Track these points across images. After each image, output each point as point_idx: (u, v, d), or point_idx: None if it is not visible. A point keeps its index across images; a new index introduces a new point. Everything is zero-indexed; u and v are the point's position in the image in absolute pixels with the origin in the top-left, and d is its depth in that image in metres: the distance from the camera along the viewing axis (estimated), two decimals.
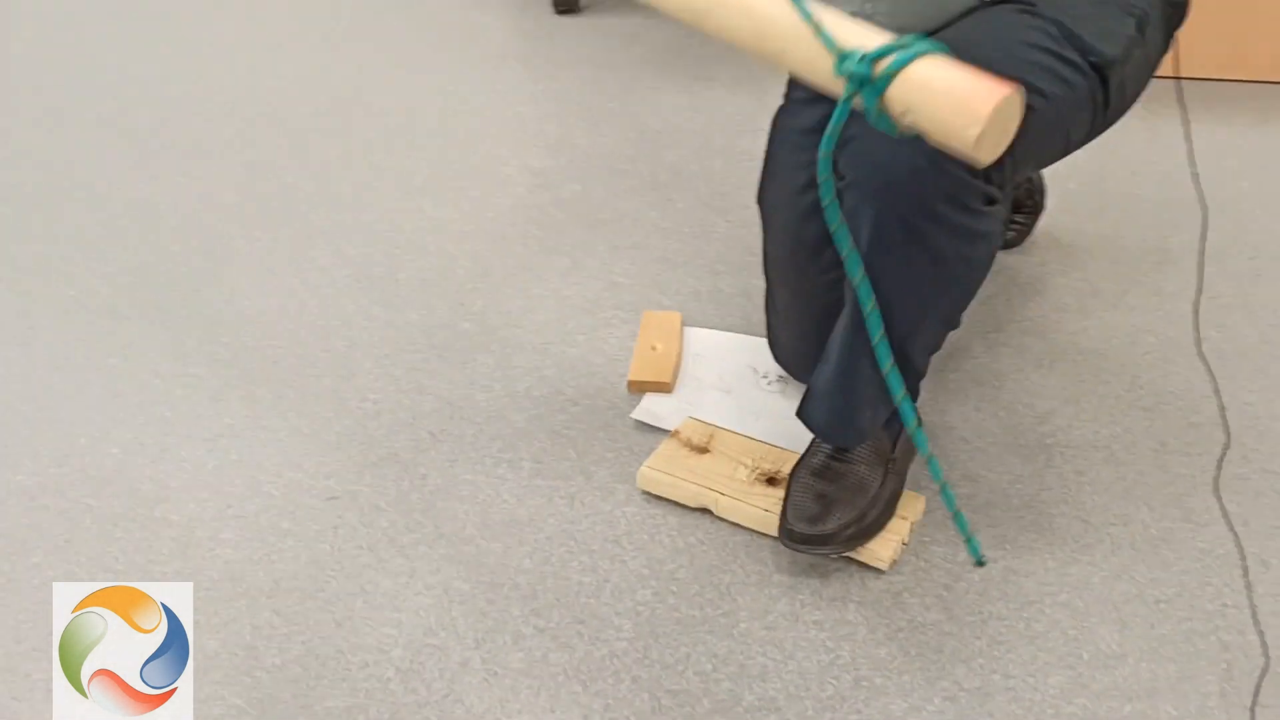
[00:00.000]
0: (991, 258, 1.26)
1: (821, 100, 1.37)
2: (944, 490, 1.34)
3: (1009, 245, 1.87)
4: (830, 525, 1.35)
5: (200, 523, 1.50)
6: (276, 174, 2.18)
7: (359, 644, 1.34)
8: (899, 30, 1.24)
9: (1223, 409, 1.56)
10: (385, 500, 1.52)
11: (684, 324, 1.76)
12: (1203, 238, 1.79)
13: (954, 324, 1.35)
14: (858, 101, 0.93)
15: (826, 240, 1.37)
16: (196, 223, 2.06)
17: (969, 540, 1.36)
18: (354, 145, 2.25)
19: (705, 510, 1.47)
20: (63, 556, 1.46)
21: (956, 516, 1.36)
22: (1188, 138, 1.65)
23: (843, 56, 0.88)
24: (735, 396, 1.63)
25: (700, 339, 1.74)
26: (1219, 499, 1.44)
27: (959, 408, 1.60)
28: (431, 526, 1.48)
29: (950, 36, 1.23)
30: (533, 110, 2.36)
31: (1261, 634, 1.29)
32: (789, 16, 0.91)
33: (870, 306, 1.21)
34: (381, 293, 1.87)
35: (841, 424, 1.37)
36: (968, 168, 1.14)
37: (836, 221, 1.16)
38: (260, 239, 2.01)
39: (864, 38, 0.90)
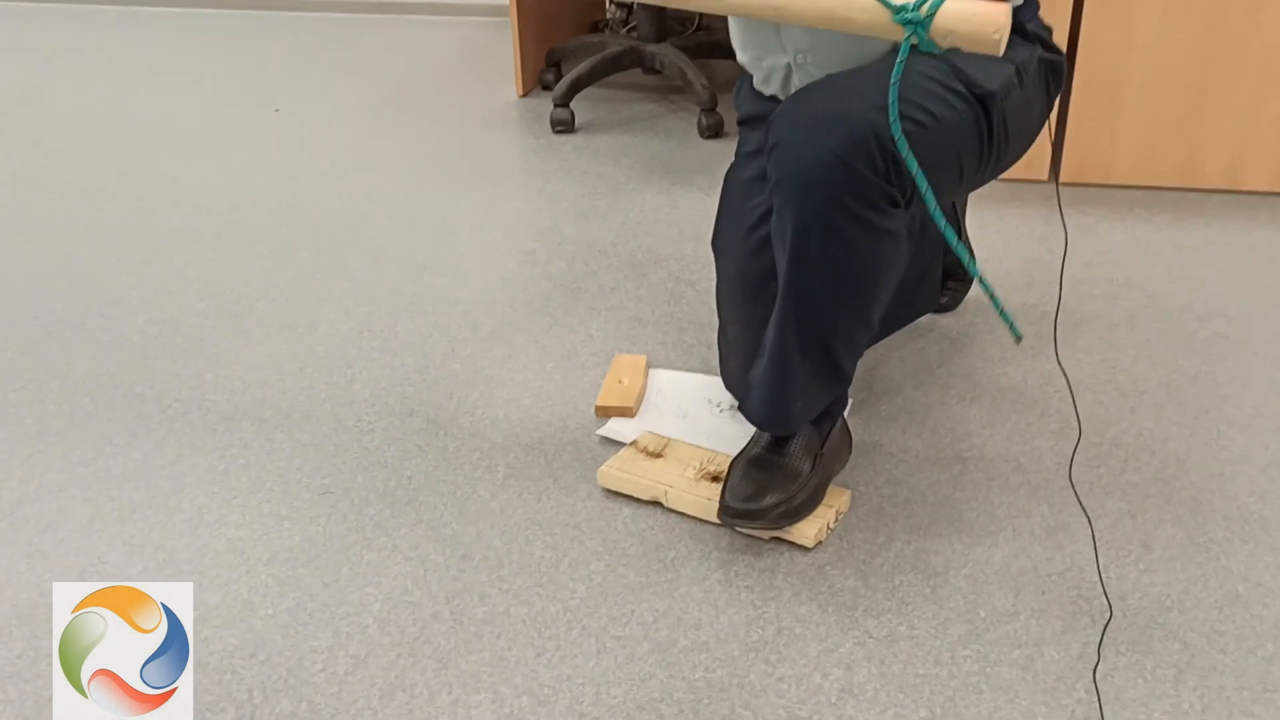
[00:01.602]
0: (898, 257, 1.48)
1: (761, 154, 1.62)
2: (981, 282, 1.39)
3: (944, 309, 2.09)
4: (763, 503, 1.54)
5: (208, 510, 1.69)
6: (294, 255, 2.43)
7: (343, 599, 1.52)
8: (824, 73, 1.50)
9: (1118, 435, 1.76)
10: (374, 494, 1.71)
11: (649, 365, 1.98)
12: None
13: (871, 326, 1.56)
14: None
15: (770, 275, 1.61)
16: (219, 288, 2.30)
17: (1003, 314, 1.38)
18: (366, 233, 2.51)
19: (656, 503, 1.65)
20: (85, 537, 1.64)
21: (993, 300, 1.37)
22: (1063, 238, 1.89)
23: (898, 9, 1.22)
24: (690, 420, 1.83)
25: (663, 376, 1.95)
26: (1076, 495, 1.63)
27: (887, 430, 1.80)
28: (413, 514, 1.67)
29: (864, 71, 1.48)
30: (527, 207, 2.62)
31: (1109, 594, 1.46)
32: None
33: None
34: (382, 341, 2.10)
35: (776, 412, 1.57)
36: (872, 169, 1.37)
37: (906, 151, 1.33)
38: (276, 300, 2.25)
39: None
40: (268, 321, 2.17)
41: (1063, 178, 2.56)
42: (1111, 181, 2.55)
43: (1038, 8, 1.64)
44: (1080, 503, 1.62)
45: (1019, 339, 1.46)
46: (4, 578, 1.57)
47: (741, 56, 1.71)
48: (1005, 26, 1.20)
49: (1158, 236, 2.36)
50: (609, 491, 1.69)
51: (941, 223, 1.32)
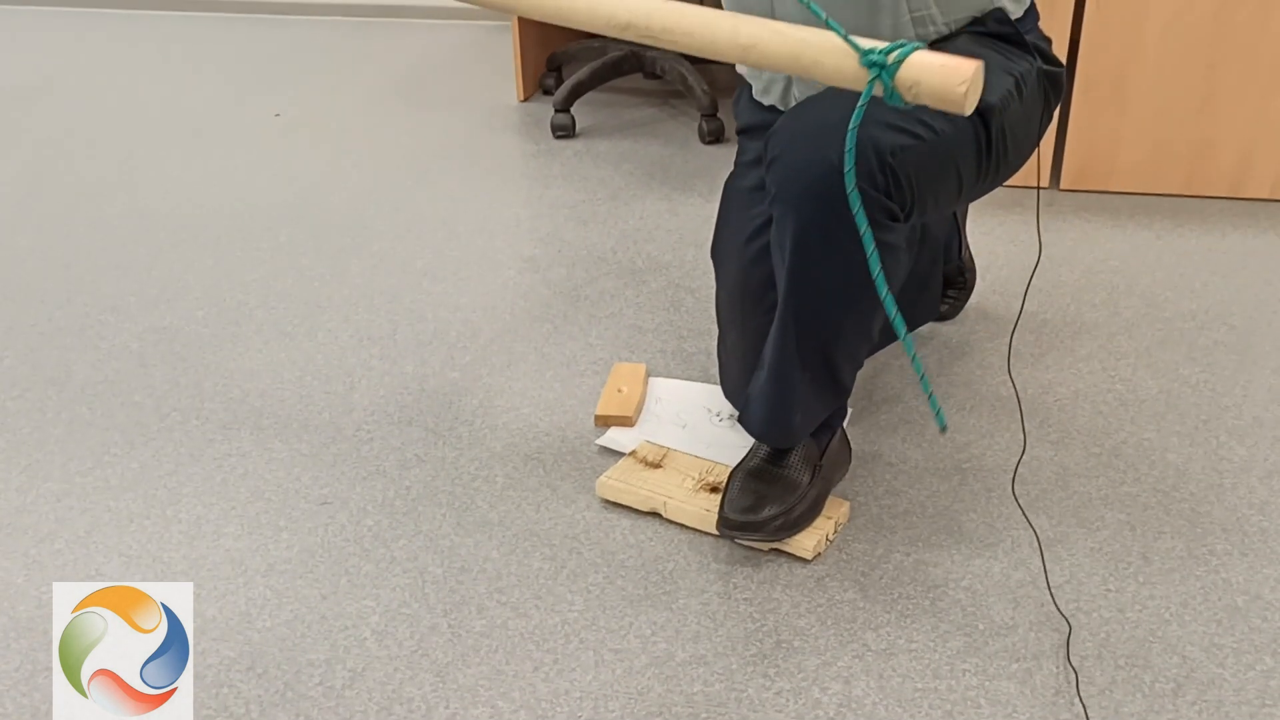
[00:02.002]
0: (898, 272, 1.48)
1: (760, 164, 1.62)
2: (914, 361, 1.40)
3: (944, 317, 2.09)
4: (761, 515, 1.53)
5: (206, 520, 1.69)
6: (294, 260, 2.42)
7: (341, 612, 1.52)
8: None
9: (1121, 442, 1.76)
10: (372, 505, 1.71)
11: (649, 374, 1.97)
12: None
13: (870, 338, 1.56)
14: (878, 88, 1.20)
15: (769, 284, 1.60)
16: (219, 295, 2.29)
17: (931, 398, 1.39)
18: (365, 237, 2.50)
19: (655, 514, 1.65)
20: (83, 547, 1.64)
21: (923, 381, 1.39)
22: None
23: (865, 53, 1.17)
24: (690, 430, 1.83)
25: (662, 385, 1.94)
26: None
27: (887, 439, 1.80)
28: (412, 525, 1.66)
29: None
30: (527, 212, 2.62)
31: (1106, 610, 1.46)
32: (817, 37, 1.18)
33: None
34: (381, 348, 2.09)
35: (775, 424, 1.57)
36: (871, 184, 1.37)
37: (858, 206, 1.33)
38: (276, 307, 2.24)
39: (874, 42, 1.19)
40: (267, 329, 2.17)
41: (1063, 183, 2.55)
42: (1113, 188, 2.54)
43: (1037, 18, 1.63)
44: (1026, 517, 1.61)
45: (944, 430, 1.54)
46: (1, 589, 1.57)
47: (741, 67, 1.71)
48: (972, 81, 1.12)
49: (1158, 243, 2.35)
50: (608, 502, 1.68)
51: (892, 311, 1.32)
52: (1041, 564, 1.53)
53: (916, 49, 1.16)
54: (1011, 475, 1.70)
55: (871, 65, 1.16)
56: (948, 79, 1.12)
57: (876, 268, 1.27)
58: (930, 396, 1.38)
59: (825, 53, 1.18)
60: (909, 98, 1.17)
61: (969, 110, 1.14)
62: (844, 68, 1.18)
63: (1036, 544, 1.57)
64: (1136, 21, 2.38)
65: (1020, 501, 1.65)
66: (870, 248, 1.28)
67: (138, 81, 3.55)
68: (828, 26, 1.17)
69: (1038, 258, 2.04)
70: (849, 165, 1.24)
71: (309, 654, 1.45)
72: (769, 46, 1.22)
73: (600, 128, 3.05)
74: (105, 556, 1.62)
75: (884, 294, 1.28)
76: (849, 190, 1.25)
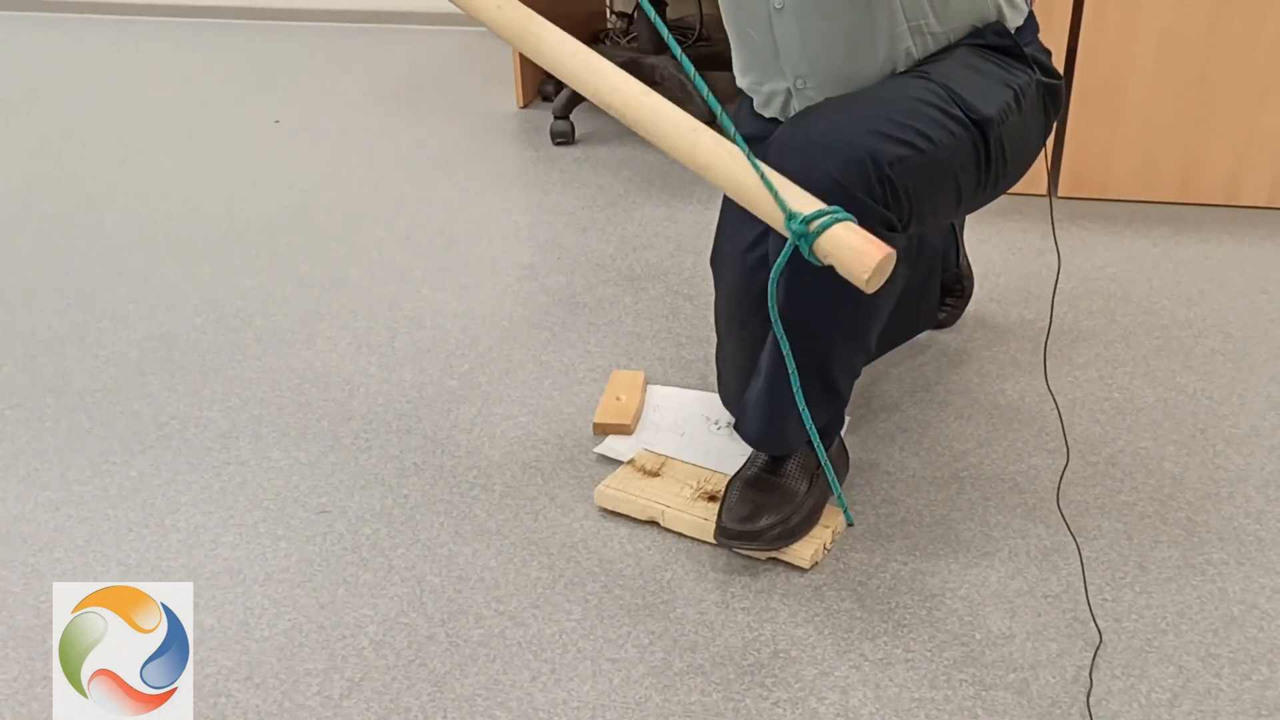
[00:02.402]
0: (895, 282, 1.47)
1: None
2: (824, 464, 1.56)
3: (942, 325, 2.09)
4: (759, 524, 1.54)
5: (205, 529, 1.69)
6: (293, 266, 2.43)
7: (339, 621, 1.52)
8: (824, 96, 1.51)
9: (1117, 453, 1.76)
10: (370, 513, 1.71)
11: (647, 382, 1.98)
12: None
13: (867, 349, 1.56)
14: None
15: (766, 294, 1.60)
16: (217, 302, 2.30)
17: (840, 499, 1.59)
18: (364, 244, 2.51)
19: (653, 523, 1.65)
20: (81, 556, 1.64)
21: (832, 484, 1.56)
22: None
23: (789, 216, 1.24)
24: (688, 438, 1.83)
25: (661, 393, 1.94)
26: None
27: (885, 448, 1.80)
28: (410, 534, 1.67)
29: (861, 96, 1.48)
30: (526, 219, 2.62)
31: (1104, 616, 1.46)
32: (758, 185, 1.27)
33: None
34: (379, 356, 2.10)
35: (771, 432, 1.57)
36: (869, 194, 1.37)
37: (775, 315, 1.41)
38: (274, 314, 2.25)
39: (806, 203, 1.25)
40: (265, 336, 2.17)
41: (1060, 191, 2.56)
42: (1109, 195, 2.55)
43: (1037, 30, 1.64)
44: (1069, 528, 1.61)
45: (850, 524, 1.61)
46: (0, 597, 1.57)
47: (741, 81, 1.71)
48: (877, 270, 1.20)
49: (1155, 251, 2.36)
50: (606, 510, 1.69)
51: (796, 386, 1.45)
52: (1082, 576, 1.53)
53: (839, 222, 1.23)
54: (1010, 485, 1.71)
55: (793, 233, 1.25)
56: (856, 262, 1.21)
57: (796, 385, 1.42)
58: (839, 496, 1.58)
59: (761, 200, 1.28)
60: (825, 262, 1.25)
61: (871, 290, 1.23)
62: (774, 219, 1.28)
63: (1036, 554, 1.58)
64: (1131, 32, 2.39)
65: (1025, 510, 1.65)
66: (786, 348, 1.43)
67: (135, 88, 3.56)
68: (761, 179, 1.26)
69: (1058, 272, 2.06)
70: (771, 292, 1.36)
71: (307, 663, 1.46)
72: (719, 174, 1.31)
73: (599, 134, 3.06)
74: (104, 565, 1.62)
75: (796, 389, 1.46)
76: (770, 308, 1.36)
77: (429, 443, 1.86)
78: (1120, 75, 2.43)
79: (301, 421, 1.92)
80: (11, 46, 4.04)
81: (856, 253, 1.21)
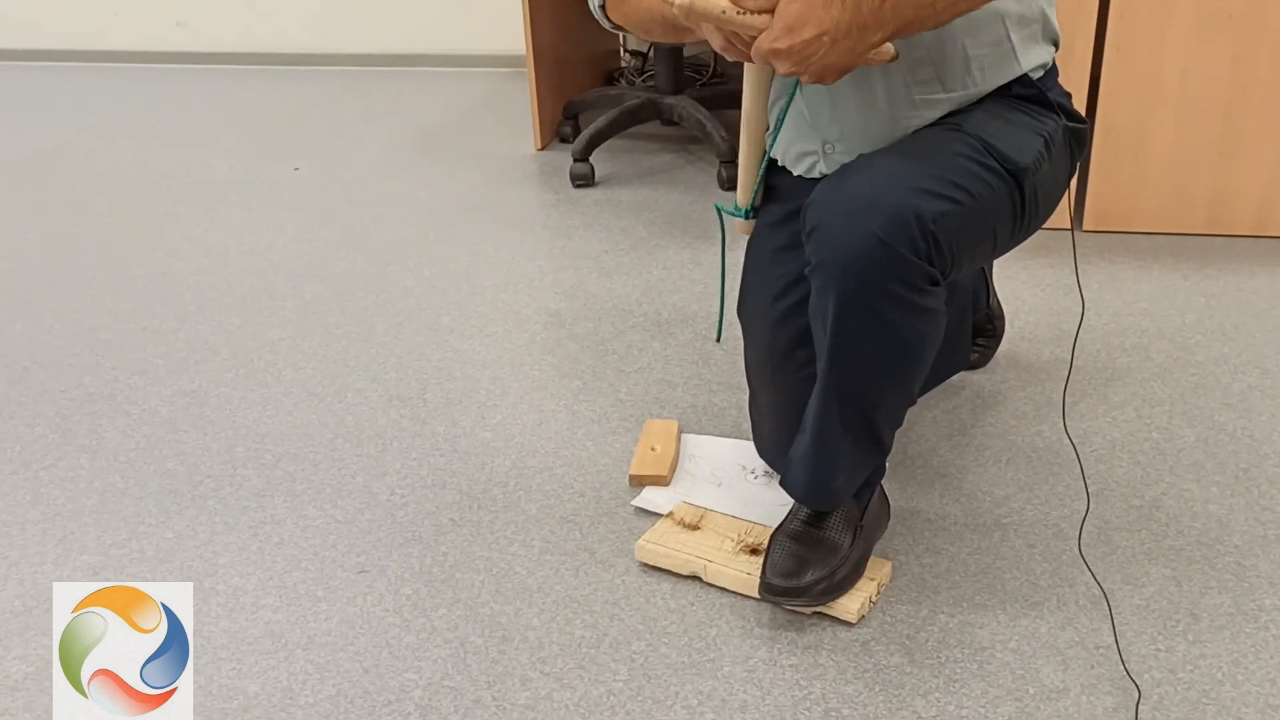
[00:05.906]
0: (939, 333, 1.47)
1: (788, 222, 1.62)
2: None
3: (974, 366, 2.08)
4: (804, 580, 1.52)
5: (244, 591, 1.68)
6: (320, 317, 2.42)
7: (384, 686, 1.51)
8: (853, 157, 1.50)
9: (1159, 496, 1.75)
10: (410, 572, 1.70)
11: (681, 430, 1.97)
12: None
13: (912, 398, 1.55)
14: None
15: (798, 343, 1.60)
16: (246, 356, 2.29)
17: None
18: (390, 293, 2.51)
19: (695, 577, 1.64)
20: None
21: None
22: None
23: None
24: (725, 489, 1.82)
25: (695, 442, 1.94)
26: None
27: (925, 494, 1.79)
28: (450, 593, 1.66)
29: (898, 150, 1.48)
30: (550, 264, 2.62)
31: (1156, 670, 1.44)
32: None
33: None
34: (411, 409, 2.09)
35: (818, 487, 1.56)
36: (914, 251, 1.37)
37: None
38: (304, 368, 2.24)
39: None
40: (295, 391, 2.17)
41: (1086, 225, 2.55)
42: (1136, 228, 2.54)
43: (1057, 75, 1.63)
44: (1094, 576, 1.60)
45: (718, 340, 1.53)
46: (41, 667, 1.56)
47: (767, 137, 1.71)
48: None
49: (1186, 284, 2.35)
50: (647, 565, 1.68)
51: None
52: (1111, 626, 1.52)
53: None
54: (1054, 531, 1.69)
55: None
56: None
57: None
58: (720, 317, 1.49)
59: None
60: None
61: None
62: None
63: (1086, 603, 1.56)
64: (1155, 70, 2.38)
65: (1072, 558, 1.64)
66: None
67: (156, 138, 3.57)
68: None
69: (1080, 318, 2.04)
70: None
71: None
72: None
73: (619, 176, 3.06)
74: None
75: None
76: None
77: (465, 498, 1.85)
78: (1144, 111, 2.43)
79: (336, 478, 1.91)
80: (35, 98, 4.06)
81: None
